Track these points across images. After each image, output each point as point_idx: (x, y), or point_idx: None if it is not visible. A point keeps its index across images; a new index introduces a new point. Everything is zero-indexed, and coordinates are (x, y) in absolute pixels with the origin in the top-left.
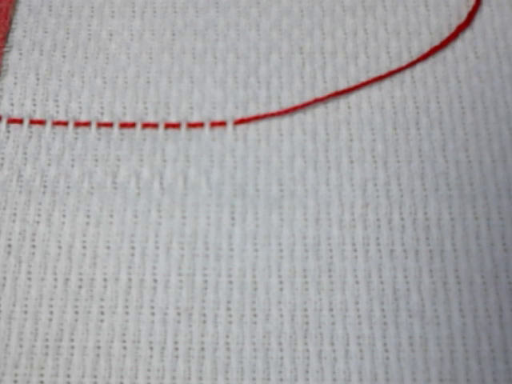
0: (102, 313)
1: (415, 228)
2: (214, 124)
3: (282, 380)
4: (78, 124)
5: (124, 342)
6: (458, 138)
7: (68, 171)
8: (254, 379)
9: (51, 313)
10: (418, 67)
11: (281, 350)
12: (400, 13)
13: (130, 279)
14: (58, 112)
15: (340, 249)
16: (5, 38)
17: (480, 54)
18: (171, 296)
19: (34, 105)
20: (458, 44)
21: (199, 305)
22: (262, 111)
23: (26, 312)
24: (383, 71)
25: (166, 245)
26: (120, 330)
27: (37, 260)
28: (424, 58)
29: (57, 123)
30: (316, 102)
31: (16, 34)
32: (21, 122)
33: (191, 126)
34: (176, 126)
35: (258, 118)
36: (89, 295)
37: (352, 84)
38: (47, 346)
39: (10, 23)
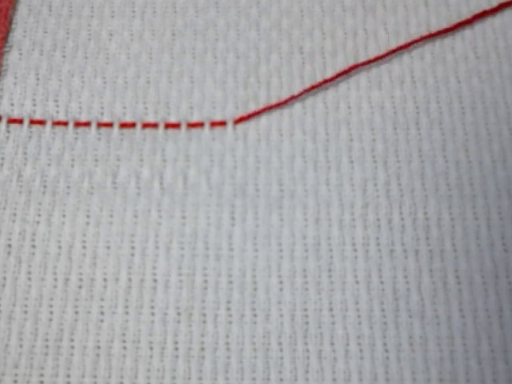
0: (102, 313)
1: (415, 228)
2: (213, 124)
3: (281, 380)
4: (77, 124)
5: (124, 342)
6: (458, 138)
7: (68, 171)
8: (253, 379)
9: (51, 313)
10: (418, 67)
11: (281, 350)
12: (400, 13)
13: (129, 279)
14: (58, 112)
15: (340, 249)
16: (5, 38)
17: (480, 53)
18: (171, 296)
19: (34, 105)
20: (458, 44)
21: (199, 305)
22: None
23: (25, 312)
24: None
25: (165, 245)
26: (120, 330)
27: (37, 260)
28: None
29: (57, 123)
30: (305, 92)
31: (16, 34)
32: (21, 122)
33: (191, 125)
34: (176, 125)
35: (257, 113)
36: (89, 295)
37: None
38: (47, 346)
39: (10, 23)
